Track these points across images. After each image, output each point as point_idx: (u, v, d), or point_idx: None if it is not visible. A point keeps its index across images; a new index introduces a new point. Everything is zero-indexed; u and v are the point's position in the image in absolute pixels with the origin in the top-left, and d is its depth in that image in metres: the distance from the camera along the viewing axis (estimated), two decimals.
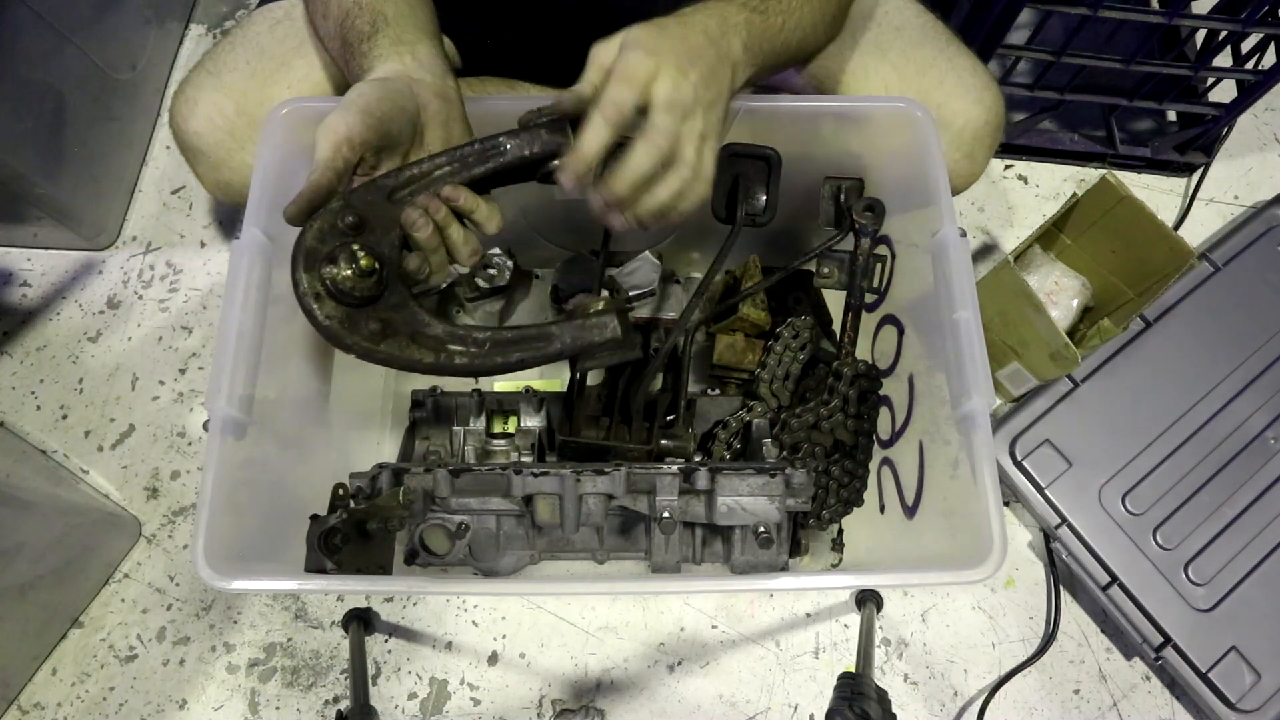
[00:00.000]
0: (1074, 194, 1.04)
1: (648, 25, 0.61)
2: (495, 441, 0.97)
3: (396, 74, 0.65)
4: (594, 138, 0.58)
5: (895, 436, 0.85)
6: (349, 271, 0.58)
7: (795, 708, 1.00)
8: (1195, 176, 1.28)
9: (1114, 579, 1.00)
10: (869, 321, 0.91)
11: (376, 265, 0.59)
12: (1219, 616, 0.98)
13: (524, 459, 0.94)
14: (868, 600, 0.94)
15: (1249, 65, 1.13)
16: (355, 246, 0.59)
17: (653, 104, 0.58)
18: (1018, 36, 1.08)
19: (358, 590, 0.92)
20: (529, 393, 0.96)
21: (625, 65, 0.58)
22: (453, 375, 0.62)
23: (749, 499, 0.69)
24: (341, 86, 0.84)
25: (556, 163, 0.63)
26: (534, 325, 0.62)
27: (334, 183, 0.60)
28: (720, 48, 0.62)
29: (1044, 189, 1.29)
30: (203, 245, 1.22)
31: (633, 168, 0.59)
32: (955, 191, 0.76)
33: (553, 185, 0.64)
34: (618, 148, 0.60)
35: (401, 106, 0.63)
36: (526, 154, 0.64)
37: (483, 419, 0.97)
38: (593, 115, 0.59)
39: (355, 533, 0.66)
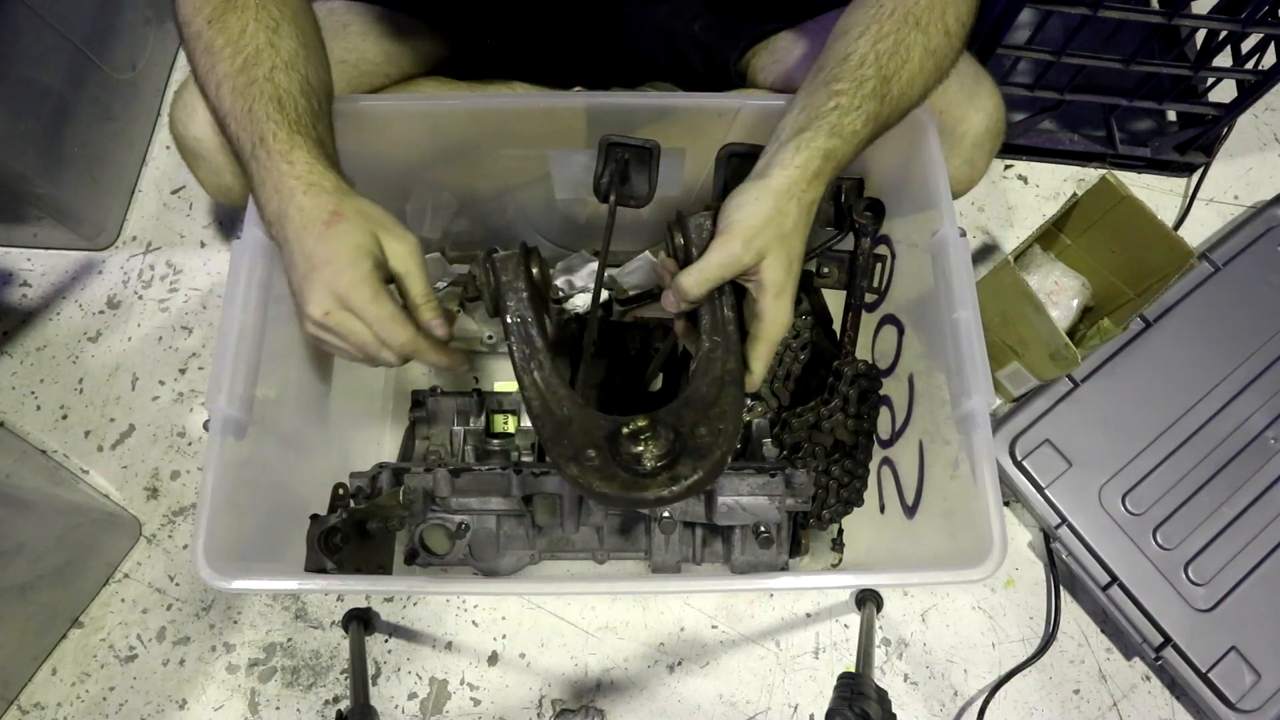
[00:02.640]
0: (1074, 194, 1.04)
1: (780, 262, 0.63)
2: (495, 441, 0.97)
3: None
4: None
5: (895, 436, 0.85)
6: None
7: (795, 708, 1.00)
8: (1195, 176, 1.27)
9: (1114, 579, 1.00)
10: (869, 321, 0.91)
11: None
12: (1219, 616, 0.98)
13: (524, 459, 0.94)
14: (868, 600, 0.94)
15: (1249, 65, 1.13)
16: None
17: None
18: (1018, 36, 1.08)
19: (358, 590, 0.92)
20: None
21: (772, 331, 0.64)
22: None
23: (749, 499, 0.69)
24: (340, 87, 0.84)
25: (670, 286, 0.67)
26: None
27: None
28: (808, 221, 0.65)
29: (1044, 189, 1.29)
30: (203, 245, 1.22)
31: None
32: (954, 197, 0.76)
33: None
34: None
35: None
36: None
37: (483, 419, 0.97)
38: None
39: (355, 533, 0.66)
